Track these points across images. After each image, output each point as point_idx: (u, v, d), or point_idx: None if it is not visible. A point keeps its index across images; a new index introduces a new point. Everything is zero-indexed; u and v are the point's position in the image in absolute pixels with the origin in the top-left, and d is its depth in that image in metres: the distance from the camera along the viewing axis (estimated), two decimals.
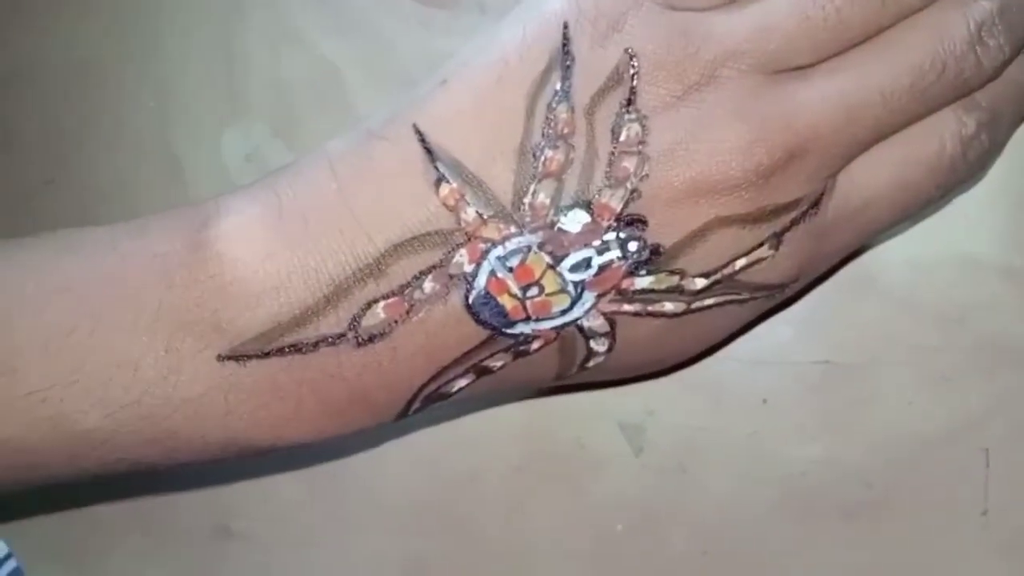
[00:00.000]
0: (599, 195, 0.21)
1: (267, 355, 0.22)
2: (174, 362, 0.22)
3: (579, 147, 0.21)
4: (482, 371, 0.23)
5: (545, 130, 0.21)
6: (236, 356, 0.22)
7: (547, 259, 0.22)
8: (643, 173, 0.21)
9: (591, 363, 0.24)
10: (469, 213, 0.22)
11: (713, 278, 0.22)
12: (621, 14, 0.21)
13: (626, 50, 0.21)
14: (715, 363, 0.28)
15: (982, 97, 0.23)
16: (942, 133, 0.23)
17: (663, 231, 0.22)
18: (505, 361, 0.23)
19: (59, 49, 0.33)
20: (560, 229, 0.22)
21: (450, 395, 0.24)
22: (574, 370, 0.24)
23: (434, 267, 0.22)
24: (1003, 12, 0.22)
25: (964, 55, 0.22)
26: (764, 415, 0.28)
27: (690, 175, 0.21)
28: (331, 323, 0.22)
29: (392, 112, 0.23)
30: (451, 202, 0.21)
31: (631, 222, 0.22)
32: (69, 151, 0.33)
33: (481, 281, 0.22)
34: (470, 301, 0.22)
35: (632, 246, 0.22)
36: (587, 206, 0.21)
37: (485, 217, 0.21)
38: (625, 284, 0.22)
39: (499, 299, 0.22)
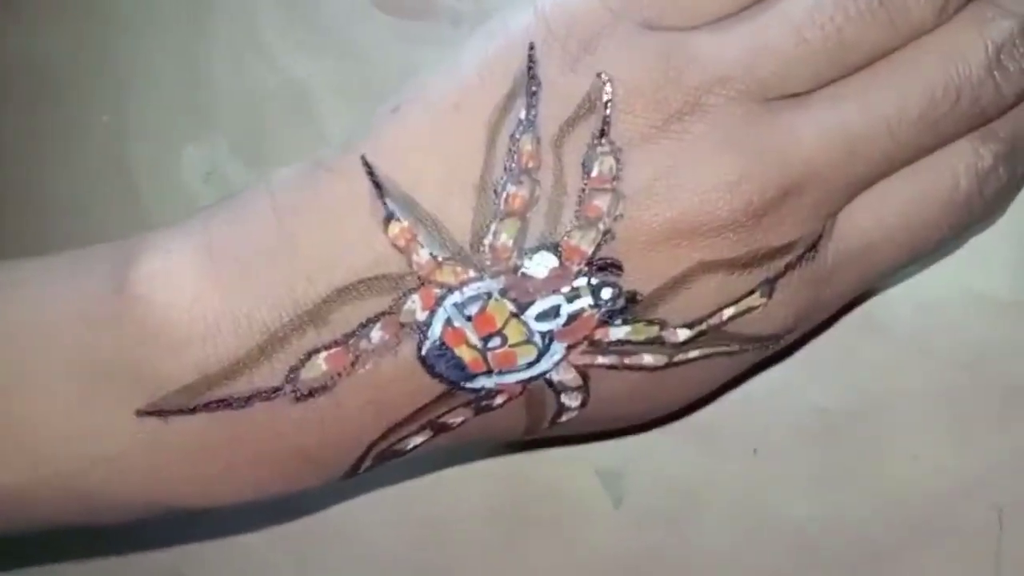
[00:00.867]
0: (568, 236, 0.19)
1: (193, 411, 0.20)
2: (90, 417, 0.20)
3: (545, 183, 0.19)
4: (440, 428, 0.21)
5: (508, 163, 0.19)
6: (157, 411, 0.20)
7: (510, 307, 0.19)
8: (617, 212, 0.19)
9: (563, 418, 0.21)
10: (422, 255, 0.19)
11: (697, 329, 0.20)
12: (595, 34, 0.19)
13: (599, 75, 0.19)
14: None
15: (1000, 127, 0.20)
16: (955, 167, 0.20)
17: (640, 277, 0.19)
18: (465, 417, 0.21)
19: (7, 57, 0.31)
20: (524, 274, 0.19)
21: (405, 452, 0.21)
22: (545, 425, 0.22)
23: (383, 314, 0.19)
24: None
25: (981, 81, 0.19)
26: (755, 465, 0.25)
27: (670, 215, 0.19)
28: (265, 376, 0.20)
29: (347, 140, 0.21)
30: (402, 242, 0.19)
31: (604, 267, 0.19)
32: (18, 167, 0.30)
33: (436, 330, 0.19)
34: (423, 353, 0.20)
35: (605, 293, 0.19)
36: (555, 248, 0.19)
37: (440, 259, 0.19)
38: (598, 335, 0.20)
39: (456, 351, 0.20)
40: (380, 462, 0.21)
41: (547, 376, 0.20)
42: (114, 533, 0.28)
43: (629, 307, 0.19)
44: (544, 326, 0.20)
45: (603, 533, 0.26)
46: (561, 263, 0.19)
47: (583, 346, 0.20)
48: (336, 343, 0.19)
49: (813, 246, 0.20)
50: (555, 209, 0.19)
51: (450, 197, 0.19)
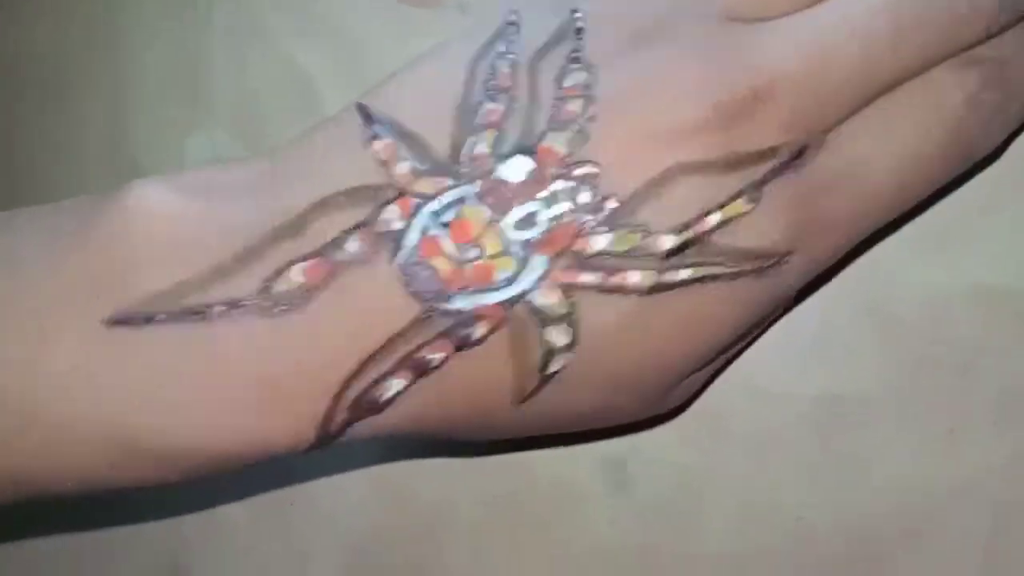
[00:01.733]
0: (542, 139, 0.19)
1: (160, 320, 0.19)
2: (44, 332, 0.19)
3: (521, 98, 0.20)
4: (420, 367, 0.19)
5: (486, 84, 0.20)
6: (126, 319, 0.19)
7: (487, 212, 0.19)
8: (589, 114, 0.19)
9: (552, 365, 0.20)
10: (403, 167, 0.19)
11: (684, 235, 0.19)
12: None
13: (572, 10, 0.20)
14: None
15: (984, 50, 0.20)
16: (940, 87, 0.20)
17: (618, 179, 0.19)
18: (445, 352, 0.19)
19: (3, 50, 0.31)
20: (500, 178, 0.19)
21: (384, 403, 0.20)
22: (534, 380, 0.20)
23: (360, 225, 0.19)
24: None
25: None
26: (757, 458, 0.24)
27: (643, 116, 0.19)
28: (241, 286, 0.19)
29: None
30: (383, 156, 0.20)
31: (580, 170, 0.19)
32: (17, 161, 0.31)
33: (412, 239, 0.19)
34: (399, 262, 0.19)
35: (583, 196, 0.19)
36: (530, 152, 0.19)
37: (420, 171, 0.19)
38: (579, 245, 0.19)
39: (432, 261, 0.19)
40: (356, 416, 0.20)
41: (529, 299, 0.19)
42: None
43: (609, 211, 0.19)
44: (522, 235, 0.19)
45: (604, 523, 0.25)
46: (537, 166, 0.19)
47: (565, 260, 0.19)
48: (313, 254, 0.19)
49: (799, 154, 0.19)
50: (530, 117, 0.19)
51: (432, 119, 0.20)
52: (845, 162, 0.20)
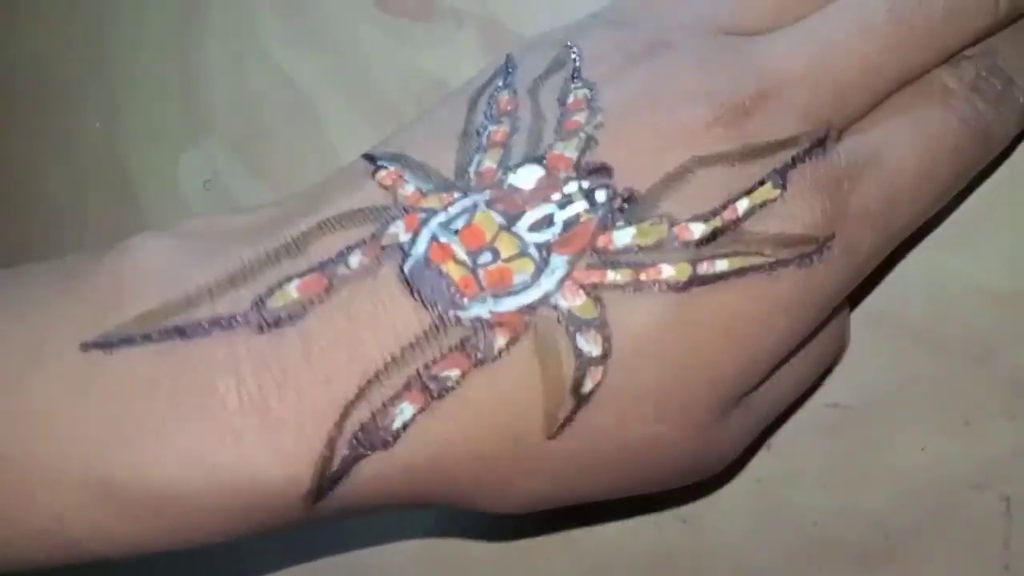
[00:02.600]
0: (551, 149, 0.18)
1: (141, 340, 0.17)
2: (31, 356, 0.17)
3: (524, 118, 0.19)
4: (433, 387, 0.17)
5: (487, 112, 0.20)
6: (102, 344, 0.17)
7: (498, 219, 0.18)
8: (596, 122, 0.19)
9: (586, 383, 0.17)
10: (408, 188, 0.18)
11: (713, 223, 0.17)
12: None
13: (566, 45, 0.20)
14: None
15: (979, 47, 0.20)
16: (942, 82, 0.20)
17: (634, 176, 0.18)
18: (463, 368, 0.17)
19: (5, 62, 0.30)
20: (511, 186, 0.18)
21: (394, 433, 0.17)
22: (568, 401, 0.17)
23: (364, 241, 0.18)
24: None
25: None
26: (769, 460, 0.24)
27: (652, 119, 0.18)
28: (230, 303, 0.17)
29: None
30: (388, 182, 0.19)
31: (593, 170, 0.18)
32: (16, 174, 0.29)
33: (420, 248, 0.17)
34: (407, 270, 0.17)
35: (600, 195, 0.18)
36: (539, 160, 0.18)
37: (426, 191, 0.18)
38: (601, 242, 0.18)
39: (443, 266, 0.17)
40: (360, 452, 0.17)
41: (554, 303, 0.17)
42: None
43: (629, 206, 0.18)
44: (539, 236, 0.18)
45: (614, 528, 0.24)
46: (547, 172, 0.18)
47: (588, 257, 0.17)
48: (311, 270, 0.17)
49: (820, 143, 0.18)
50: (535, 132, 0.19)
51: (434, 148, 0.19)
52: (869, 150, 0.19)
